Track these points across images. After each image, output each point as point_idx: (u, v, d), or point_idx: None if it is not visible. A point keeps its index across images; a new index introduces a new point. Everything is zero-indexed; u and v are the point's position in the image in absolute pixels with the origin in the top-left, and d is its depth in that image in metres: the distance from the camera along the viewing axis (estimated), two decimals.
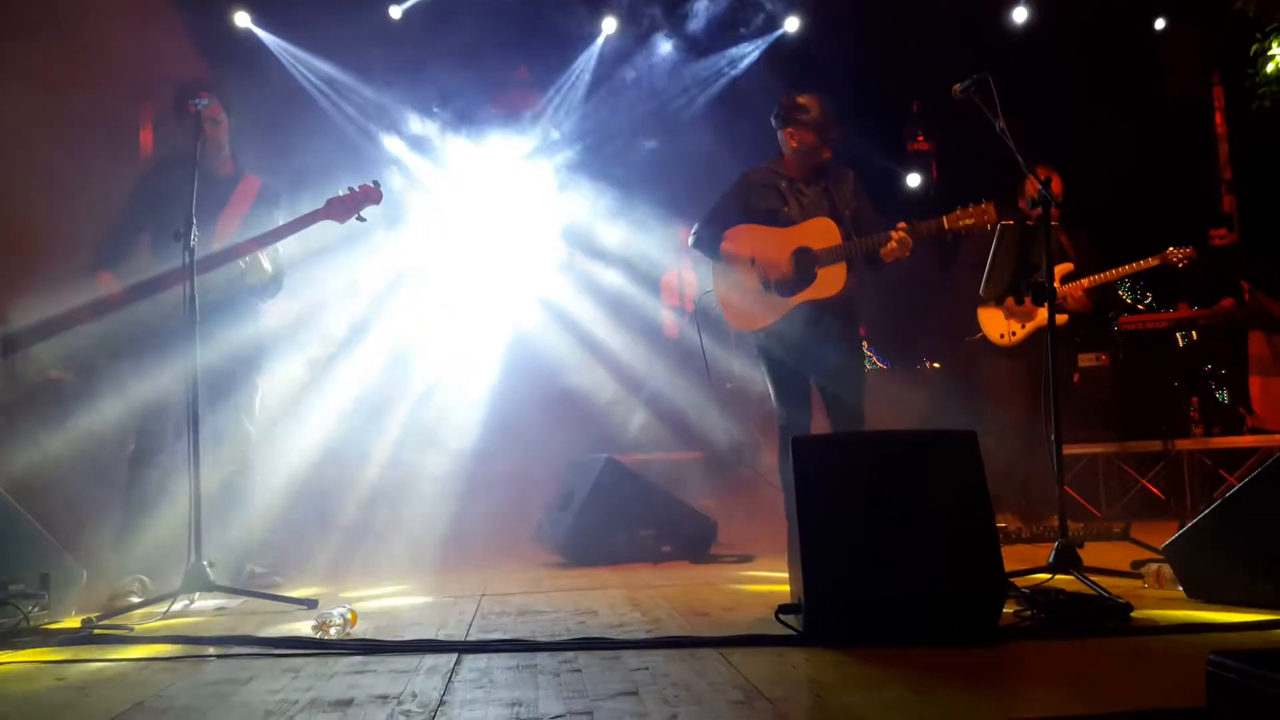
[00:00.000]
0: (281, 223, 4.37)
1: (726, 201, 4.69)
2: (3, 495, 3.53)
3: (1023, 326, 5.54)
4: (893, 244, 4.26)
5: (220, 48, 7.58)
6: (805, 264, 4.44)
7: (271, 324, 4.92)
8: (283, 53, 7.75)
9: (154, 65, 7.23)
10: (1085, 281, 5.48)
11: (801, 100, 4.54)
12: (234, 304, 4.43)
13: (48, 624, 3.37)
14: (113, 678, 2.55)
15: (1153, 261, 5.60)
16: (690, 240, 4.75)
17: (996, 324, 5.62)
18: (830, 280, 4.40)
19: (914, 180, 9.02)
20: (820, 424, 4.70)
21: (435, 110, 7.79)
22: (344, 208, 4.31)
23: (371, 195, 4.34)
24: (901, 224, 4.30)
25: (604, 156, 8.10)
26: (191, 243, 3.77)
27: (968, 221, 4.22)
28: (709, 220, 4.70)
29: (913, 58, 9.16)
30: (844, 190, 4.57)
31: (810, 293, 4.44)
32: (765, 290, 4.50)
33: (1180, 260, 5.56)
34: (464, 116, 7.89)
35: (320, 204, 4.32)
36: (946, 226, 4.27)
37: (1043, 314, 4.91)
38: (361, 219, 4.35)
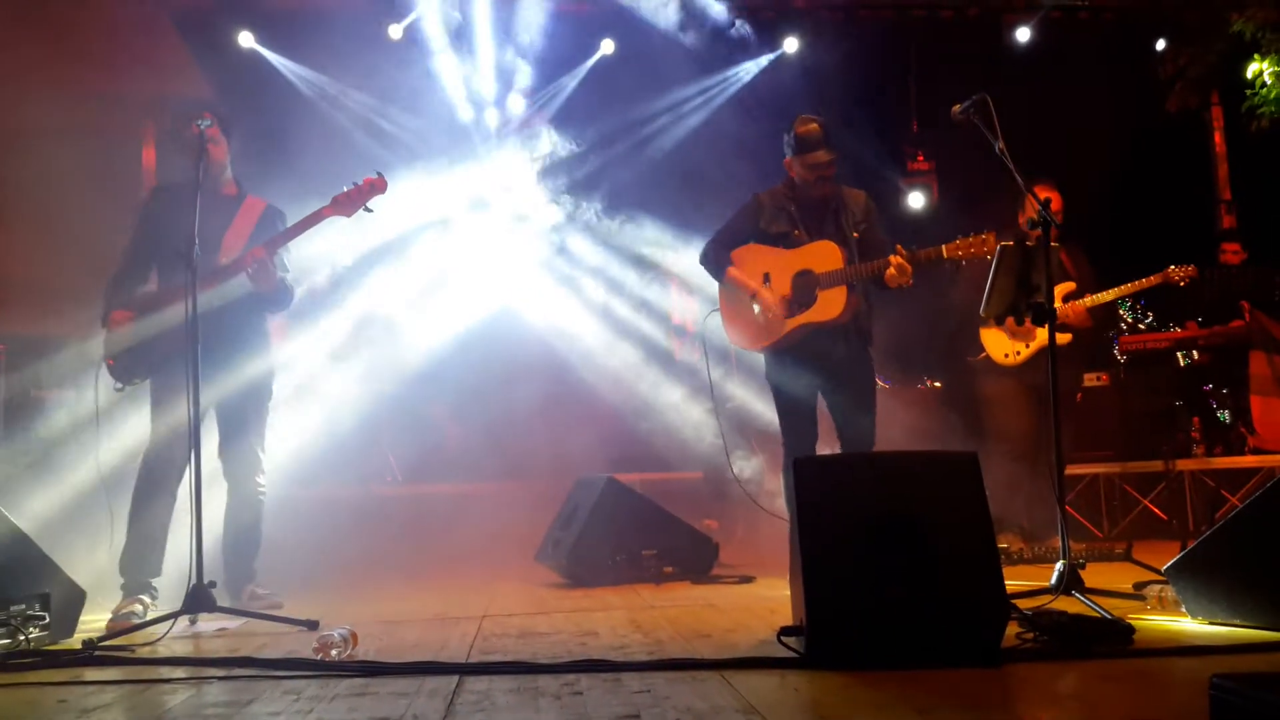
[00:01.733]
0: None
1: (735, 222, 4.69)
2: (2, 515, 3.52)
3: (1027, 346, 5.53)
4: (892, 270, 4.25)
5: (224, 67, 7.63)
6: (806, 286, 4.45)
7: (277, 343, 4.92)
8: (287, 71, 7.79)
9: (158, 84, 7.30)
10: (1088, 299, 5.48)
11: (800, 130, 4.49)
12: (246, 326, 4.44)
13: (49, 645, 3.37)
14: (115, 700, 2.55)
15: (1155, 280, 5.60)
16: (699, 258, 4.78)
17: (1000, 344, 5.61)
18: (830, 304, 4.41)
19: (916, 201, 9.02)
20: (830, 444, 4.69)
21: (436, 125, 7.84)
22: (350, 202, 4.29)
23: (377, 186, 4.33)
24: (899, 246, 4.29)
25: (601, 173, 8.13)
26: (194, 261, 3.77)
27: (968, 252, 4.22)
28: (717, 240, 4.71)
29: (912, 77, 9.22)
30: (854, 212, 4.57)
31: (809, 315, 4.44)
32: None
33: (1181, 279, 5.55)
34: (464, 132, 7.94)
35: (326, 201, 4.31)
36: (945, 255, 4.26)
37: (1046, 334, 4.89)
38: (369, 210, 4.33)
